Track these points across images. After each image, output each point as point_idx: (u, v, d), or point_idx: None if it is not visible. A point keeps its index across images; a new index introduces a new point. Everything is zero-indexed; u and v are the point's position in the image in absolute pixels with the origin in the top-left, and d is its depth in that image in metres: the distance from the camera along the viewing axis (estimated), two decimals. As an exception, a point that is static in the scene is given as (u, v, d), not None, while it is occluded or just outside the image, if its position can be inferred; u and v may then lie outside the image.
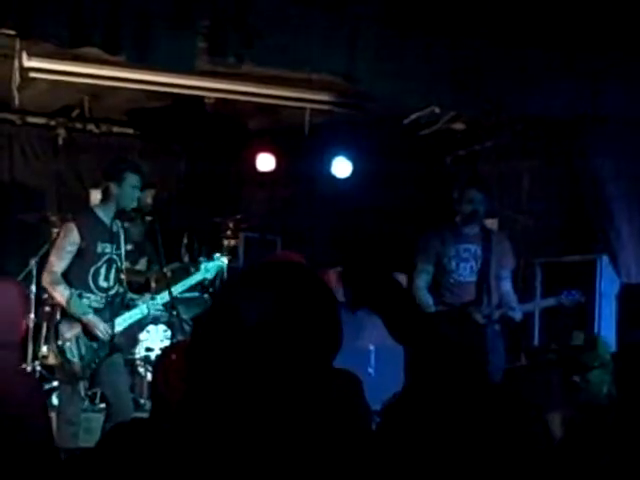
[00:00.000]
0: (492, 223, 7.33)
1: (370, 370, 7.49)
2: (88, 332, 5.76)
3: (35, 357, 7.29)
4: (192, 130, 8.97)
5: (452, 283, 6.42)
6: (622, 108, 6.66)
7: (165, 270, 6.74)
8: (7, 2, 5.32)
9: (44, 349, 7.27)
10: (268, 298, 1.55)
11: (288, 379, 1.52)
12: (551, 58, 6.43)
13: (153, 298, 6.11)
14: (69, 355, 5.70)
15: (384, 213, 9.08)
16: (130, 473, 1.49)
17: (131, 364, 7.46)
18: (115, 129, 9.07)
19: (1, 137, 8.77)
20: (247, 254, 8.78)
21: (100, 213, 5.90)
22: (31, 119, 8.72)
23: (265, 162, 8.93)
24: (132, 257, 7.11)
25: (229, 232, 8.61)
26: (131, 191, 5.85)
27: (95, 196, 7.33)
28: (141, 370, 7.57)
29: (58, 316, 5.94)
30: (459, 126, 8.49)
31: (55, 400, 6.25)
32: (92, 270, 5.81)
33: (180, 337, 7.14)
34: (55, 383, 6.42)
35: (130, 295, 6.23)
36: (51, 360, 5.96)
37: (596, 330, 6.92)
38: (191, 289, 6.89)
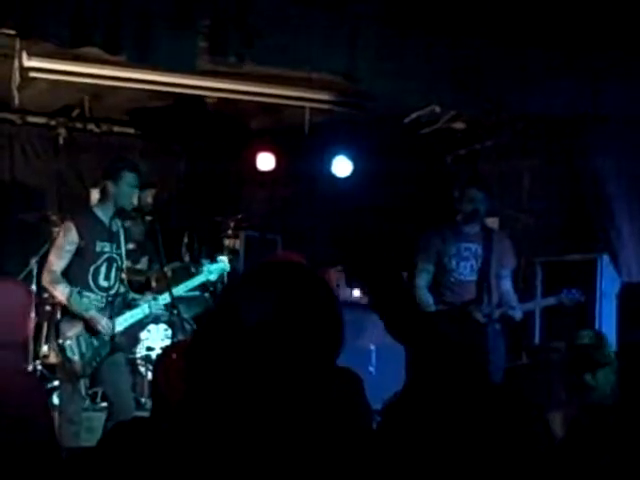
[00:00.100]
0: (493, 222, 7.33)
1: (371, 369, 7.49)
2: (89, 330, 5.77)
3: (36, 356, 7.29)
4: (192, 130, 8.97)
5: (452, 282, 6.42)
6: (623, 107, 6.66)
7: (165, 269, 6.75)
8: (8, 2, 5.32)
9: (45, 348, 7.28)
10: (268, 298, 1.55)
11: (288, 379, 1.52)
12: (551, 57, 6.43)
13: (155, 298, 6.11)
14: (69, 353, 5.71)
15: (384, 212, 9.08)
16: (131, 472, 1.49)
17: (132, 363, 7.46)
18: (116, 129, 9.08)
19: (1, 137, 8.77)
20: (248, 253, 8.77)
21: (99, 212, 5.91)
22: (31, 119, 8.72)
23: (265, 161, 8.94)
24: (133, 256, 7.12)
25: (229, 231, 8.62)
26: (128, 190, 5.85)
27: (95, 196, 7.32)
28: (142, 369, 7.58)
29: (59, 315, 5.94)
30: (459, 125, 8.49)
31: (56, 399, 6.25)
32: (92, 269, 5.82)
33: (181, 336, 7.15)
34: (56, 382, 6.42)
35: (132, 295, 6.24)
36: (52, 359, 5.97)
37: (597, 329, 6.92)
38: (192, 288, 6.89)
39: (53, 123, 8.74)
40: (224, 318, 1.55)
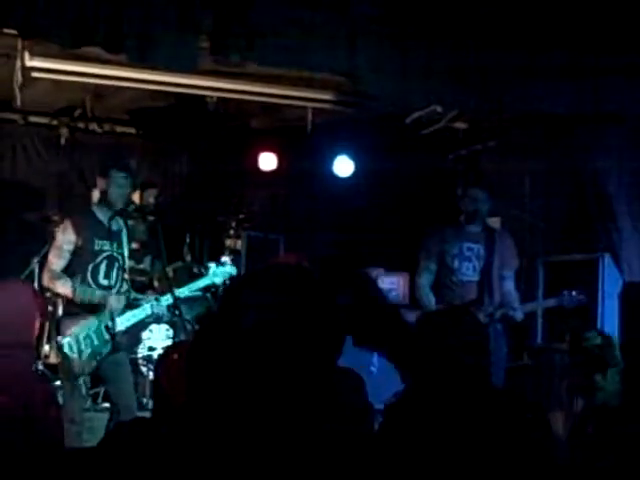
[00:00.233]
0: (494, 222, 7.33)
1: (372, 369, 7.49)
2: (89, 328, 5.80)
3: (38, 356, 7.29)
4: (194, 129, 8.97)
5: (454, 282, 6.42)
6: (624, 106, 6.65)
7: (167, 269, 6.74)
8: (10, 2, 5.32)
9: (46, 348, 7.28)
10: (266, 300, 1.55)
11: (288, 380, 1.52)
12: (553, 57, 6.42)
13: (157, 299, 6.12)
14: (67, 351, 5.73)
15: (386, 212, 9.08)
16: (131, 473, 1.49)
17: (134, 363, 7.46)
18: (118, 129, 9.08)
19: (4, 137, 8.78)
20: (249, 253, 8.78)
21: (98, 211, 5.94)
22: (33, 119, 8.72)
23: (267, 161, 8.94)
24: (136, 256, 7.13)
25: (231, 231, 8.63)
26: (117, 189, 5.87)
27: (96, 195, 7.34)
28: (143, 369, 7.58)
29: (60, 312, 5.98)
30: (461, 125, 8.48)
31: (59, 400, 6.26)
32: (90, 267, 5.86)
33: (182, 336, 7.15)
34: (58, 382, 6.43)
35: (134, 294, 6.25)
36: (53, 359, 5.98)
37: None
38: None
39: (55, 123, 8.74)
40: (224, 320, 1.55)
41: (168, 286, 6.29)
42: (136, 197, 7.80)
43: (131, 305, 6.05)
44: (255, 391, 1.51)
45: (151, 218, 7.16)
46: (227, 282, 6.68)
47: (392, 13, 6.14)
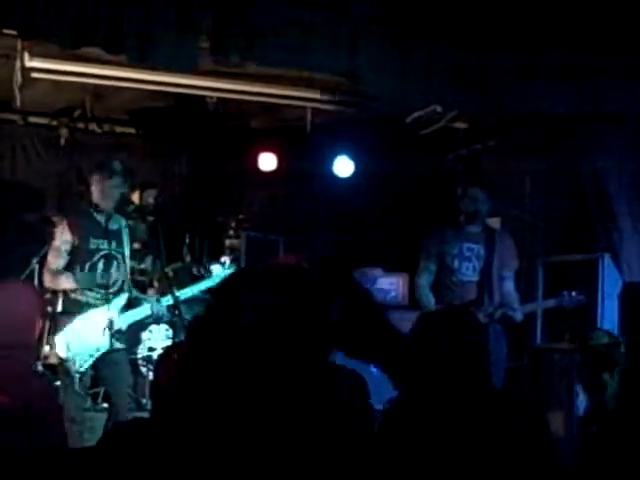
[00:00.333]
0: (494, 222, 7.33)
1: (373, 369, 7.49)
2: (85, 327, 5.82)
3: (37, 357, 7.29)
4: (194, 130, 8.97)
5: (454, 282, 6.42)
6: (624, 106, 6.65)
7: (167, 270, 6.74)
8: (9, 2, 5.32)
9: (46, 349, 7.27)
10: (265, 300, 1.55)
11: (284, 380, 1.52)
12: (553, 57, 6.42)
13: (158, 300, 6.14)
14: (63, 348, 5.76)
15: (386, 212, 9.08)
16: (129, 473, 1.49)
17: (133, 364, 7.46)
18: (117, 129, 9.08)
19: (3, 137, 8.77)
20: (249, 253, 8.78)
21: (94, 211, 5.96)
22: (33, 119, 8.72)
23: (267, 161, 8.94)
24: (137, 256, 7.14)
25: (231, 231, 8.63)
26: (98, 190, 5.91)
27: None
28: (143, 370, 7.58)
29: (59, 309, 6.01)
30: (461, 125, 8.48)
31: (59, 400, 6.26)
32: (87, 266, 5.91)
33: (182, 337, 7.14)
34: (58, 383, 6.44)
35: (135, 293, 6.26)
36: (53, 360, 5.99)
37: (598, 329, 6.92)
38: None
39: (55, 123, 8.74)
40: (221, 318, 1.55)
41: (168, 286, 6.30)
42: (136, 197, 7.80)
43: (132, 304, 6.07)
44: (253, 391, 1.51)
45: (151, 218, 7.17)
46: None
47: (392, 13, 6.14)
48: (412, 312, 5.88)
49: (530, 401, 4.32)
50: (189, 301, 7.37)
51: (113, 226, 5.98)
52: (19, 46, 6.48)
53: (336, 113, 8.13)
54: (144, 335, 7.64)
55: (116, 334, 5.86)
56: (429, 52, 6.23)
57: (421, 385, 2.07)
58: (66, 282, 5.87)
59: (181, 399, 1.56)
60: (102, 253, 5.92)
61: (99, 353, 5.83)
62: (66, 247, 5.90)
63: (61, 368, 5.85)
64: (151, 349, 7.60)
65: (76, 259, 5.90)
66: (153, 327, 7.63)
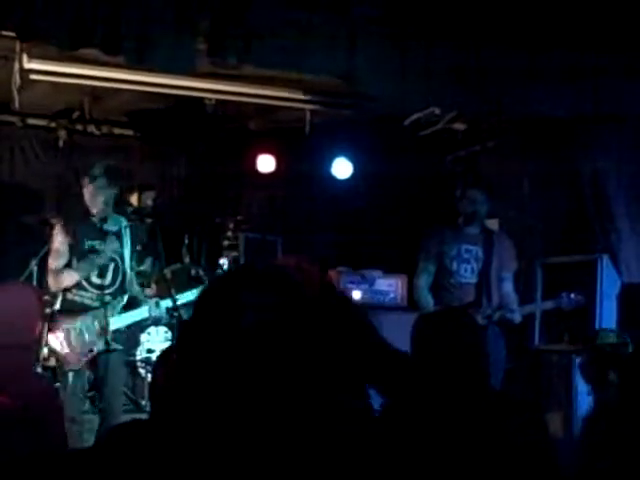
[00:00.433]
0: (492, 223, 7.33)
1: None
2: (79, 326, 5.83)
3: (37, 359, 7.29)
4: (192, 131, 8.97)
5: (452, 284, 6.41)
6: (624, 107, 6.65)
7: (165, 271, 6.75)
8: (8, 4, 5.32)
9: (45, 351, 7.27)
10: (265, 300, 1.55)
11: (285, 380, 1.52)
12: (552, 58, 6.42)
13: (157, 304, 6.14)
14: (58, 345, 5.79)
15: (384, 214, 9.08)
16: (128, 474, 1.49)
17: (132, 365, 7.47)
18: (116, 131, 9.08)
19: (2, 139, 8.77)
20: (247, 255, 8.78)
21: (89, 213, 6.00)
22: (32, 121, 8.71)
23: (265, 163, 8.93)
24: (138, 257, 7.15)
25: (229, 233, 8.62)
26: (86, 195, 5.98)
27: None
28: (142, 371, 7.58)
29: (57, 306, 6.02)
30: (460, 126, 8.48)
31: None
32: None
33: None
34: (57, 384, 6.44)
35: (134, 295, 6.26)
36: (51, 362, 5.99)
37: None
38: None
39: (53, 125, 8.73)
40: (221, 319, 1.55)
41: (167, 288, 6.30)
42: (134, 199, 7.81)
43: (131, 305, 6.08)
44: (254, 391, 1.51)
45: (149, 220, 7.17)
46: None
47: (391, 14, 6.13)
48: (411, 313, 5.89)
49: (529, 402, 4.32)
50: (188, 303, 7.38)
51: (111, 227, 6.00)
52: (18, 48, 6.48)
53: (334, 115, 8.13)
54: (143, 337, 7.64)
55: (112, 335, 5.87)
56: (428, 53, 6.23)
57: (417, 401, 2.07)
58: (68, 278, 5.90)
59: (180, 401, 1.56)
60: (97, 254, 5.95)
61: (93, 353, 5.84)
62: (64, 248, 5.97)
63: (59, 370, 5.86)
64: (150, 351, 7.60)
65: (72, 259, 5.94)
66: (152, 329, 7.63)
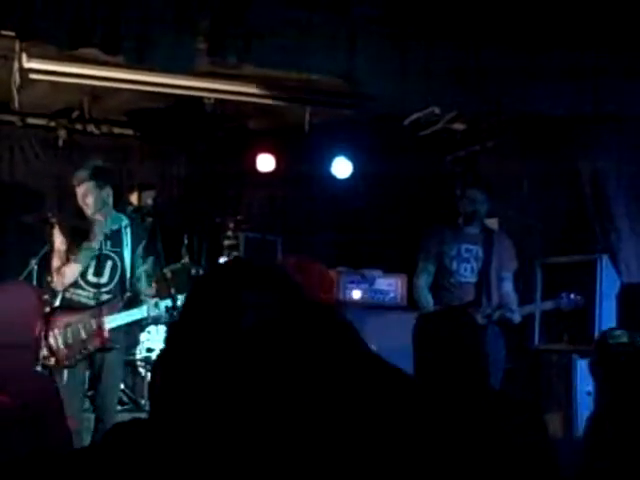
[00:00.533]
0: (492, 223, 7.33)
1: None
2: (76, 324, 5.84)
3: (37, 359, 7.28)
4: (192, 131, 8.97)
5: (452, 284, 6.42)
6: (624, 107, 6.65)
7: (165, 271, 6.74)
8: (7, 4, 5.32)
9: (44, 351, 7.27)
10: (266, 300, 1.55)
11: (286, 380, 1.52)
12: (552, 58, 6.42)
13: (156, 304, 6.14)
14: (54, 342, 5.80)
15: (384, 213, 9.08)
16: (127, 474, 1.48)
17: (132, 365, 7.46)
18: (115, 130, 9.07)
19: (1, 138, 8.77)
20: (247, 254, 8.77)
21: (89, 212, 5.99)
22: (31, 120, 8.71)
23: (265, 162, 8.93)
24: (144, 255, 7.16)
25: (229, 232, 8.62)
26: (77, 196, 5.95)
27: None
28: (142, 371, 7.58)
29: (57, 303, 6.03)
30: (459, 126, 8.48)
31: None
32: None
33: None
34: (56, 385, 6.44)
35: (134, 294, 6.26)
36: (51, 361, 5.99)
37: (597, 331, 6.91)
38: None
39: (53, 124, 8.73)
40: (220, 319, 1.55)
41: (166, 287, 6.30)
42: (134, 198, 7.81)
43: (131, 304, 6.08)
44: (254, 391, 1.51)
45: (149, 219, 7.17)
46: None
47: (391, 14, 6.13)
48: (411, 313, 5.89)
49: (528, 402, 4.31)
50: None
51: (110, 226, 5.99)
52: (17, 47, 6.48)
53: (334, 114, 8.13)
54: (142, 336, 7.64)
55: (110, 333, 5.87)
56: (428, 53, 6.23)
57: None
58: (70, 272, 5.91)
59: (180, 401, 1.56)
60: (94, 253, 5.95)
61: (88, 349, 5.86)
62: (63, 247, 5.98)
63: (55, 367, 5.87)
64: (149, 350, 7.59)
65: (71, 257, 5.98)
66: (151, 328, 7.63)
